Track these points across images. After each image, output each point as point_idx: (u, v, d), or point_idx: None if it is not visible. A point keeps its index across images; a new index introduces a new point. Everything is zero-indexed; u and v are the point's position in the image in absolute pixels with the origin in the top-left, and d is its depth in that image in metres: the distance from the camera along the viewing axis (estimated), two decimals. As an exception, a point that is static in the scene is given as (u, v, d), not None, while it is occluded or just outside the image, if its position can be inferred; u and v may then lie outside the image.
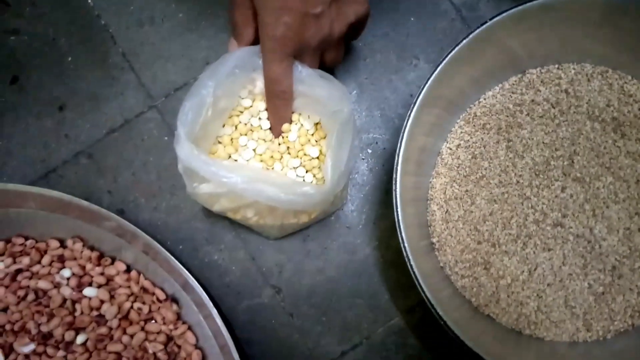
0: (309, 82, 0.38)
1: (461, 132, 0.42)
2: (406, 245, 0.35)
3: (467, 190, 0.41)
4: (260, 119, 0.41)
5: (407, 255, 0.35)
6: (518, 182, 0.40)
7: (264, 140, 0.41)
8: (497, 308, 0.39)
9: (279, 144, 0.40)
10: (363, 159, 0.46)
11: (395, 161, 0.35)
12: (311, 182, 0.39)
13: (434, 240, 0.40)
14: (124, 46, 0.47)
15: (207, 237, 0.45)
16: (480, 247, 0.40)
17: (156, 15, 0.48)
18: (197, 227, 0.45)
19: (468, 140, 0.42)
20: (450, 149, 0.42)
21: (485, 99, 0.42)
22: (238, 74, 0.38)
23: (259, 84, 0.40)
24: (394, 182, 0.35)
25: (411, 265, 0.35)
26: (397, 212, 0.35)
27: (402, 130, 0.35)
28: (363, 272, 0.44)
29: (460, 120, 0.42)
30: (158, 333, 0.42)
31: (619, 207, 0.39)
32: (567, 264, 0.39)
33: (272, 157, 0.40)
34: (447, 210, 0.41)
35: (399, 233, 0.35)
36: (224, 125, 0.41)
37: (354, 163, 0.41)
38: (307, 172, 0.40)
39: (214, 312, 0.39)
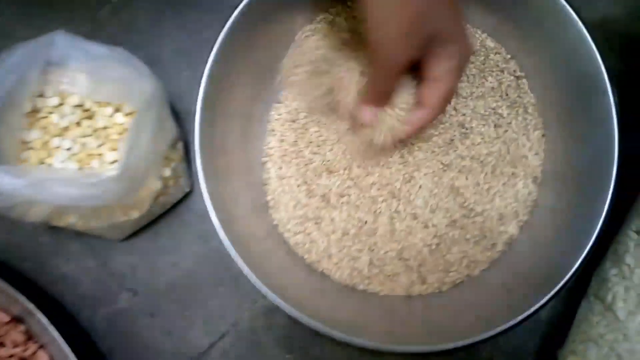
0: (103, 64, 0.35)
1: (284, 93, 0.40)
2: (214, 217, 0.33)
3: (299, 150, 0.39)
4: (73, 114, 0.38)
5: (216, 225, 0.33)
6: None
7: (80, 137, 0.38)
8: (330, 264, 0.38)
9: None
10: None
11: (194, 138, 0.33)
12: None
13: (269, 198, 0.39)
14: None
15: (52, 250, 0.42)
16: (312, 201, 0.38)
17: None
18: (41, 241, 0.43)
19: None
20: (279, 113, 0.40)
21: None
22: (34, 72, 0.36)
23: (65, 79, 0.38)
24: (194, 158, 0.33)
25: (223, 240, 0.33)
26: (203, 188, 0.33)
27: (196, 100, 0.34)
28: (221, 259, 0.42)
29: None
30: (10, 357, 0.40)
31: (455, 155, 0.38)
32: (399, 218, 0.38)
33: (89, 155, 0.38)
34: (281, 167, 0.39)
35: (208, 207, 0.33)
36: (35, 129, 0.38)
37: (176, 148, 0.39)
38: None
39: (56, 334, 0.37)
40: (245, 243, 0.36)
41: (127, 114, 0.39)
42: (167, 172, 0.39)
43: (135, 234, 0.42)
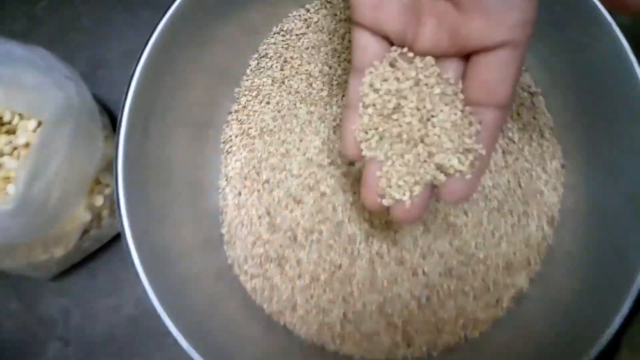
0: (20, 67, 0.29)
1: (246, 101, 0.34)
2: (135, 257, 0.27)
3: (262, 172, 0.33)
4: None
5: (139, 270, 0.27)
6: (320, 164, 0.32)
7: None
8: (294, 316, 0.31)
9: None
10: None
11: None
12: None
13: (224, 231, 0.32)
14: None
15: (-31, 289, 0.36)
16: (275, 237, 0.31)
17: None
18: (-44, 278, 0.36)
19: (256, 110, 0.33)
20: (239, 119, 0.33)
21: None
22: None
23: None
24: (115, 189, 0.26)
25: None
26: (124, 218, 0.26)
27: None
28: (170, 303, 0.36)
29: (242, 89, 0.34)
30: None
31: None
32: (382, 263, 0.30)
33: (5, 178, 0.31)
34: (240, 192, 0.32)
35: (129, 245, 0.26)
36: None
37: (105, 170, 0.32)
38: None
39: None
40: (186, 291, 0.29)
41: (52, 130, 0.32)
42: (100, 201, 0.32)
43: (68, 271, 0.35)
